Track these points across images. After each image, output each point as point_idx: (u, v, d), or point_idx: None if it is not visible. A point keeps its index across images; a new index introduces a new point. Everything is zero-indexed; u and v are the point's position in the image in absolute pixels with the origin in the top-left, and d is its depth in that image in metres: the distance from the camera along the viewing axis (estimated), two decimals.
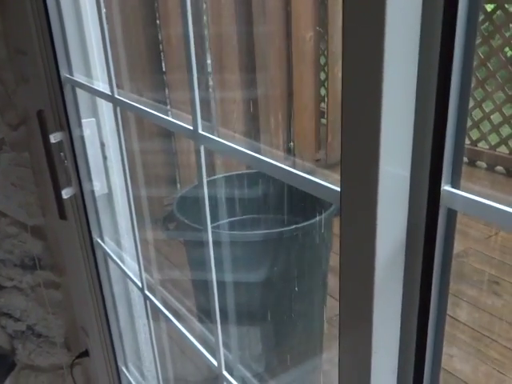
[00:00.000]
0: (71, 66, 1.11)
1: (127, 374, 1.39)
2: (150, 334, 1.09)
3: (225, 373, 0.83)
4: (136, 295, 1.38)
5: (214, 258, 0.82)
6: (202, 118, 0.70)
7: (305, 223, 1.79)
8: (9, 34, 1.31)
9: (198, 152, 0.71)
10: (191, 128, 0.70)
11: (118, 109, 0.92)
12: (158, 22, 2.90)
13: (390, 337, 0.51)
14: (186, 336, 0.93)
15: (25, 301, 1.60)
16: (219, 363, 0.83)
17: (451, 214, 0.47)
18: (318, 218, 1.77)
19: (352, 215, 0.47)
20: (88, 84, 1.04)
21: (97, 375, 1.56)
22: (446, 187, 0.45)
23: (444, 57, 0.42)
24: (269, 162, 0.60)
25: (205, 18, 2.99)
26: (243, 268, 1.82)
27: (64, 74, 1.11)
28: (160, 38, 2.92)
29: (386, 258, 0.47)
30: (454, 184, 0.46)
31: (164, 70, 2.95)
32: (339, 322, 0.53)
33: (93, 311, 1.39)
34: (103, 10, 0.88)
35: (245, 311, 1.88)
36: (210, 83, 3.14)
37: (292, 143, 3.66)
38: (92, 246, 1.27)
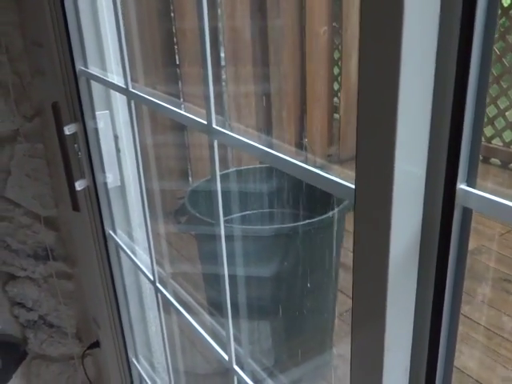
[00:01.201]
0: (86, 58, 1.12)
1: (137, 366, 1.40)
2: (161, 326, 1.09)
3: (235, 367, 0.83)
4: (147, 287, 1.38)
5: (226, 252, 0.83)
6: (215, 111, 0.70)
7: (317, 218, 1.78)
8: (25, 26, 1.32)
9: (211, 146, 0.71)
10: (205, 122, 0.70)
11: (133, 102, 0.92)
12: (172, 14, 2.90)
13: (403, 334, 0.51)
14: (197, 329, 0.94)
15: (37, 291, 1.62)
16: (230, 357, 0.83)
17: (466, 213, 0.47)
18: (330, 214, 1.77)
19: (366, 213, 0.47)
20: (103, 77, 1.04)
21: (107, 366, 1.58)
22: (461, 186, 0.45)
23: (462, 53, 0.42)
24: (282, 158, 0.60)
25: (219, 11, 2.99)
26: (254, 262, 1.82)
27: (79, 66, 1.12)
28: (174, 30, 2.92)
29: (400, 256, 0.47)
30: (470, 182, 0.46)
31: (177, 63, 2.95)
32: (352, 318, 0.53)
33: (104, 303, 1.40)
34: (118, 3, 0.88)
35: (255, 306, 1.89)
36: (223, 77, 3.14)
37: (304, 138, 3.65)
38: (104, 238, 1.28)
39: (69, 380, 1.75)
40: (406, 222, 0.46)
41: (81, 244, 1.44)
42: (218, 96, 3.06)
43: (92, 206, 1.27)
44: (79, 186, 1.21)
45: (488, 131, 3.56)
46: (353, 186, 0.48)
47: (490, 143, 3.54)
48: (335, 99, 3.93)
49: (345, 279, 2.28)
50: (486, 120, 3.51)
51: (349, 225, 2.15)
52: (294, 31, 3.33)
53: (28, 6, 1.28)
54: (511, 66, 3.36)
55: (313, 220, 1.78)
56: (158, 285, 1.05)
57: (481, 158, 0.48)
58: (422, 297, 0.50)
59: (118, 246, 1.26)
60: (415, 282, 0.49)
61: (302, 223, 1.71)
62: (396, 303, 0.48)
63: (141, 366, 1.40)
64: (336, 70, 3.94)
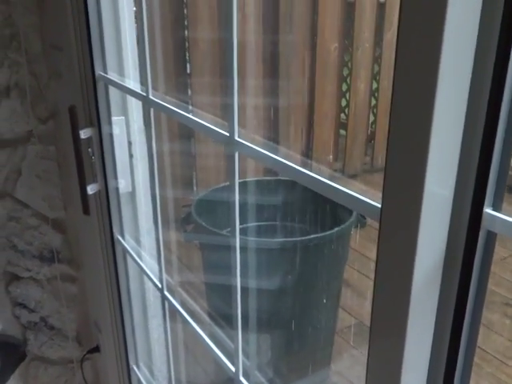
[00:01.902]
0: (106, 64, 1.13)
1: (138, 373, 1.39)
2: (166, 334, 1.09)
3: (242, 379, 0.83)
4: (151, 294, 1.39)
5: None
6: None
7: (322, 234, 1.79)
8: (45, 29, 1.33)
9: (231, 157, 0.71)
10: (227, 134, 0.71)
11: (152, 110, 0.93)
12: (186, 23, 2.93)
13: (421, 355, 0.51)
14: (204, 339, 0.94)
15: (40, 292, 1.62)
16: (237, 369, 0.83)
17: (491, 237, 0.47)
18: (335, 230, 1.77)
19: (392, 232, 0.47)
20: (123, 83, 1.05)
21: (106, 371, 1.57)
22: (487, 210, 0.45)
23: (495, 81, 0.42)
24: (306, 173, 0.60)
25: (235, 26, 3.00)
26: (258, 275, 1.82)
27: (98, 71, 1.13)
28: (187, 41, 2.94)
29: (423, 277, 0.47)
30: (496, 207, 0.46)
31: (189, 72, 2.97)
32: (370, 336, 0.53)
33: (108, 307, 1.40)
34: (144, 11, 0.90)
35: (257, 318, 1.88)
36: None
37: (310, 152, 3.66)
38: (112, 243, 1.28)
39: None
40: (432, 242, 0.47)
41: (87, 247, 1.44)
42: (227, 107, 3.08)
43: (102, 210, 1.27)
44: (91, 189, 1.22)
45: None
46: (378, 205, 0.49)
47: None
48: (342, 115, 3.95)
49: (345, 295, 2.28)
50: None
51: (354, 242, 2.16)
52: (305, 47, 3.35)
53: (49, 10, 1.29)
54: None
55: (318, 235, 1.78)
56: (166, 293, 1.06)
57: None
58: (442, 318, 0.50)
59: (125, 251, 1.26)
60: (436, 304, 0.49)
61: (308, 237, 1.71)
62: (416, 324, 0.49)
63: (141, 373, 1.40)
64: (344, 87, 3.97)
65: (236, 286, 0.85)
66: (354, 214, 1.82)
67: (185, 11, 2.93)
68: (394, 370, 0.50)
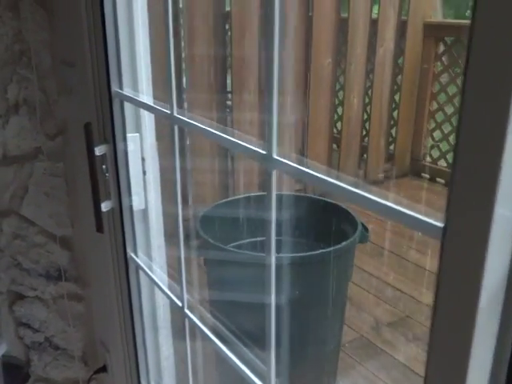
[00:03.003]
0: (122, 80, 1.12)
1: None
2: (186, 353, 1.08)
3: None
4: (162, 311, 1.37)
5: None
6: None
7: (326, 249, 1.79)
8: (56, 45, 1.33)
9: (268, 175, 0.71)
10: (264, 152, 0.70)
11: (176, 127, 0.93)
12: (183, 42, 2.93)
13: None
14: (229, 357, 0.93)
15: (45, 312, 1.59)
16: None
17: None
18: (340, 245, 1.77)
19: (458, 253, 0.47)
20: (144, 101, 1.05)
21: None
22: None
23: None
24: (349, 189, 0.60)
25: (228, 40, 3.03)
26: (261, 290, 1.81)
27: (114, 88, 1.12)
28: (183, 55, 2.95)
29: (487, 298, 0.47)
30: None
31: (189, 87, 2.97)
32: (427, 359, 0.52)
33: (118, 325, 1.38)
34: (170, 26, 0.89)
35: (259, 333, 1.87)
36: (229, 103, 3.17)
37: (304, 166, 3.67)
38: (125, 260, 1.26)
39: None
40: (497, 263, 0.46)
41: (96, 265, 1.42)
42: (223, 120, 3.09)
43: (115, 227, 1.26)
44: (105, 207, 1.20)
45: None
46: (441, 225, 0.49)
47: None
48: (335, 130, 3.98)
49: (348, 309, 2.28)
50: None
51: (358, 259, 2.16)
52: (300, 62, 3.38)
53: (61, 26, 1.29)
54: None
55: (322, 251, 1.78)
56: (187, 311, 1.04)
57: None
58: (502, 341, 0.50)
59: (139, 267, 1.24)
60: (497, 328, 0.49)
61: (314, 253, 1.71)
62: (479, 349, 0.48)
63: None
64: (337, 101, 4.00)
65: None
66: (359, 229, 1.82)
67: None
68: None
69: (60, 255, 1.52)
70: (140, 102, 1.06)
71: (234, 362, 0.92)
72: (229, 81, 3.10)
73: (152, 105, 1.02)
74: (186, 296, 1.04)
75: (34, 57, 1.33)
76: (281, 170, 0.70)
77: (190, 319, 1.03)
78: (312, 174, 0.66)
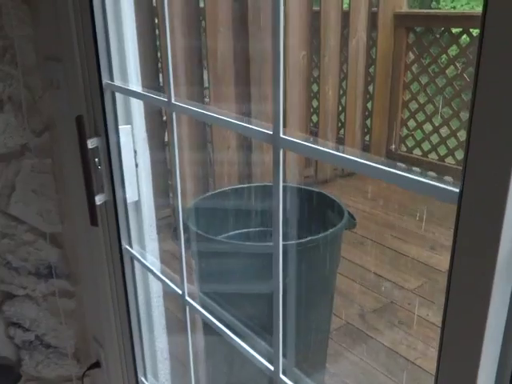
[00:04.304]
0: (112, 72, 1.12)
1: None
2: (187, 342, 1.09)
3: (282, 376, 0.84)
4: (156, 302, 1.37)
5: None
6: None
7: (313, 237, 1.81)
8: (39, 41, 1.31)
9: (276, 156, 0.72)
10: (271, 132, 0.72)
11: (174, 114, 0.93)
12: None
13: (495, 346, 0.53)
14: (235, 341, 0.94)
15: (36, 310, 1.58)
16: (276, 368, 0.84)
17: None
18: (328, 232, 1.80)
19: (473, 218, 0.49)
20: (139, 91, 1.05)
21: None
22: None
23: None
24: (366, 164, 0.62)
25: (203, 33, 3.02)
26: (250, 279, 1.82)
27: (105, 80, 1.12)
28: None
29: (503, 262, 0.49)
30: None
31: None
32: (441, 335, 0.54)
33: (113, 320, 1.38)
34: (167, 20, 0.90)
35: (248, 322, 1.88)
36: (206, 98, 3.17)
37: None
38: (120, 253, 1.26)
39: None
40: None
41: (90, 259, 1.41)
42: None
43: (109, 220, 1.26)
44: (99, 200, 1.20)
45: None
46: (456, 190, 0.51)
47: None
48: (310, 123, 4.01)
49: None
50: None
51: (346, 246, 2.19)
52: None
53: (45, 21, 1.28)
54: None
55: (309, 238, 1.80)
56: (188, 298, 1.05)
57: None
58: None
59: (134, 258, 1.25)
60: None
61: (303, 240, 1.73)
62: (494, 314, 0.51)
63: None
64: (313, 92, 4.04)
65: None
66: (345, 215, 1.85)
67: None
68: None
69: (50, 252, 1.51)
70: (134, 91, 1.06)
71: (234, 347, 0.93)
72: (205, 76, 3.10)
73: (148, 94, 1.02)
74: (186, 284, 1.05)
75: (17, 53, 1.32)
76: (288, 149, 0.72)
77: (192, 306, 1.04)
78: (319, 150, 0.68)
